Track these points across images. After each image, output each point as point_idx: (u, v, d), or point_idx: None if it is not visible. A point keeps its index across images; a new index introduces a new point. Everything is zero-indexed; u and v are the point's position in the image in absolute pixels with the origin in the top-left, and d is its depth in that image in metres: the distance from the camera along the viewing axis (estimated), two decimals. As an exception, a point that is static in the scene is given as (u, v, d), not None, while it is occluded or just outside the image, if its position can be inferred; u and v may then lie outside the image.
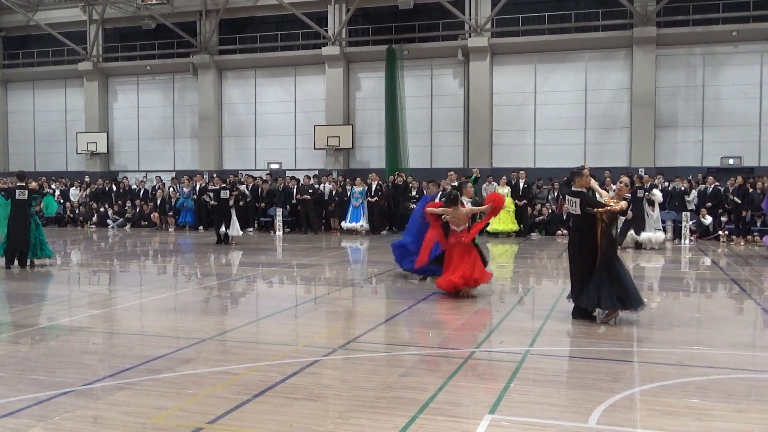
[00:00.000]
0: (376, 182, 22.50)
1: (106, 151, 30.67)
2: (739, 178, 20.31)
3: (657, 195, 17.77)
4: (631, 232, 17.47)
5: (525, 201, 21.38)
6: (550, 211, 21.89)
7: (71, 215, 26.81)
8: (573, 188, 8.66)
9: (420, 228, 11.85)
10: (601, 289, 8.17)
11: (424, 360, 6.72)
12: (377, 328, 8.41)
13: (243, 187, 21.54)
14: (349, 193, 22.51)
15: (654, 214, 17.62)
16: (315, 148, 27.52)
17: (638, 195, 17.17)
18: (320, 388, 5.80)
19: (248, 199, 22.41)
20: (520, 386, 5.80)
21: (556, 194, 22.42)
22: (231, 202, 19.27)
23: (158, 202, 25.40)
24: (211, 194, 19.75)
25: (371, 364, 6.60)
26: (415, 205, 21.24)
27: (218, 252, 17.34)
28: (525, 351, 7.07)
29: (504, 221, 20.78)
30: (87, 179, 28.59)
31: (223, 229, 19.06)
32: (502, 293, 11.26)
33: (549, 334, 7.93)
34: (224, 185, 19.64)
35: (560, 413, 5.15)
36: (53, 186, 27.46)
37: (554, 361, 6.85)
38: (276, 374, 6.14)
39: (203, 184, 23.24)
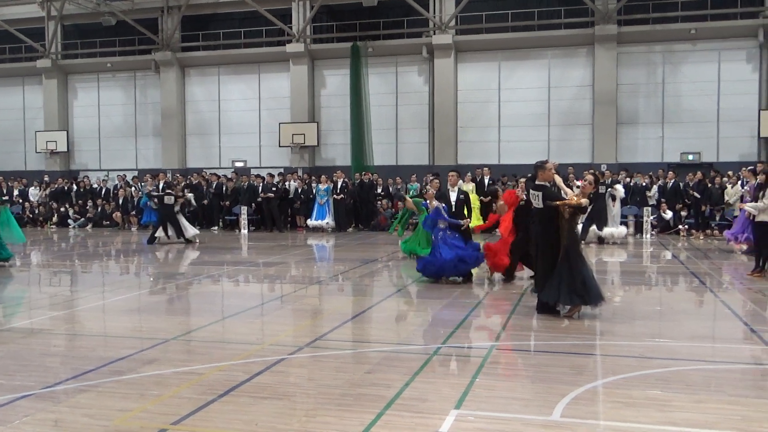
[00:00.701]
0: (341, 179, 22.48)
1: (66, 150, 30.13)
2: (699, 174, 20.73)
3: (619, 190, 18.02)
4: (593, 227, 17.70)
5: (490, 197, 21.47)
6: (514, 207, 22.04)
7: (31, 215, 26.27)
8: (536, 182, 8.77)
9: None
10: (561, 284, 8.27)
11: (390, 356, 6.74)
12: (344, 325, 8.40)
13: (190, 196, 21.03)
14: (314, 191, 22.44)
15: (615, 210, 17.87)
16: (280, 146, 27.38)
17: (600, 191, 17.39)
18: (286, 387, 5.78)
19: (193, 207, 22.04)
20: (486, 381, 5.85)
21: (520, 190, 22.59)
22: (176, 208, 18.85)
23: (120, 201, 25.03)
24: (155, 199, 19.34)
25: (337, 361, 6.60)
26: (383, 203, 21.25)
27: (182, 251, 17.17)
28: (490, 346, 7.12)
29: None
30: (47, 179, 28.06)
31: (161, 232, 18.66)
32: (468, 288, 11.32)
33: (514, 329, 8.01)
34: (169, 191, 19.20)
35: (525, 407, 5.20)
36: (12, 186, 26.90)
37: (519, 355, 6.92)
38: (241, 373, 6.10)
39: (158, 184, 22.86)
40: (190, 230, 18.94)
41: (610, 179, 18.55)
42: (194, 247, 17.88)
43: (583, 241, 16.85)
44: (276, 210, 22.63)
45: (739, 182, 19.42)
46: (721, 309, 9.44)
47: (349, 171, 25.02)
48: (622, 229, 18.04)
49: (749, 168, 17.44)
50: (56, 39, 30.29)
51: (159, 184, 24.12)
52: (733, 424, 4.83)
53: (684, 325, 8.21)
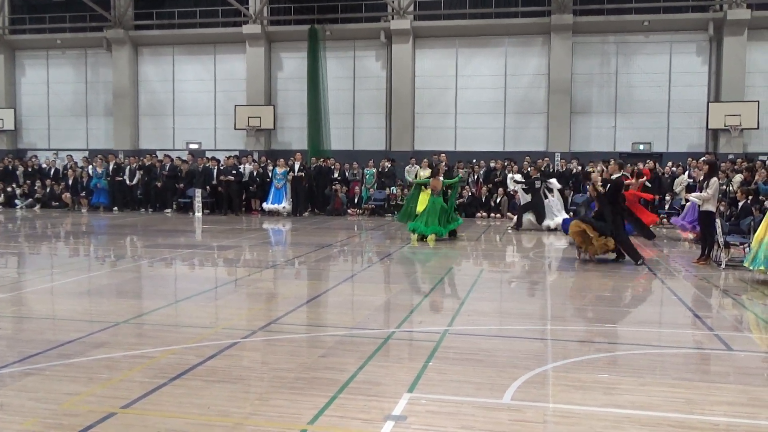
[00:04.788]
0: (299, 162, 22.28)
1: (13, 128, 29.28)
2: (650, 163, 21.15)
3: (554, 183, 18.39)
4: (531, 217, 18.09)
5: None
6: (470, 193, 22.24)
7: (-25, 195, 25.50)
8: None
9: None
10: None
11: (344, 341, 6.75)
12: (298, 309, 8.38)
13: None
14: (271, 175, 22.24)
15: (552, 201, 18.10)
16: (235, 129, 27.06)
17: (536, 186, 17.90)
18: (239, 370, 5.75)
19: None
20: (438, 365, 5.91)
21: (476, 177, 22.79)
22: None
23: (70, 181, 24.47)
24: None
25: (291, 345, 6.59)
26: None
27: (134, 234, 16.87)
28: (443, 330, 7.19)
29: (424, 203, 20.95)
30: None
31: None
32: (423, 274, 11.41)
33: (467, 313, 8.09)
34: None
35: (476, 390, 5.28)
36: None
37: (471, 339, 6.99)
38: (194, 357, 6.05)
39: (108, 166, 22.15)
40: None
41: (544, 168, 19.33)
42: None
43: (517, 228, 17.98)
44: (235, 193, 22.42)
45: (686, 172, 19.91)
46: (668, 295, 9.69)
47: (305, 155, 24.88)
48: (558, 219, 18.13)
49: (702, 159, 17.88)
50: (3, 13, 29.32)
51: (109, 165, 23.76)
52: (677, 407, 4.97)
53: (632, 311, 8.42)
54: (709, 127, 24.09)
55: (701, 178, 13.25)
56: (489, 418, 4.73)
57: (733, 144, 23.78)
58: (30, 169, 26.03)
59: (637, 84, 24.97)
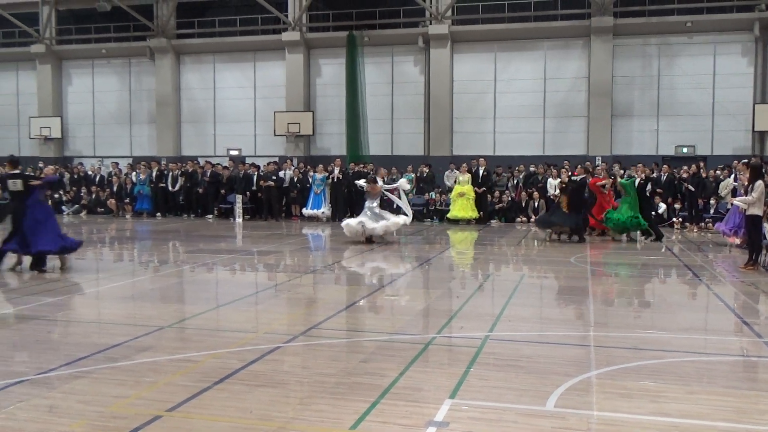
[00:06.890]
0: (339, 168, 22.38)
1: (60, 137, 30.00)
2: (694, 166, 20.76)
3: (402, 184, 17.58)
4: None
5: (485, 188, 21.50)
6: (509, 198, 22.09)
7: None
8: None
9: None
10: None
11: (385, 346, 6.75)
12: (338, 314, 8.41)
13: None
14: (310, 180, 22.38)
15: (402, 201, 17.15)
16: (275, 135, 27.30)
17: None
18: (281, 375, 5.79)
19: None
20: (480, 371, 5.87)
21: (515, 181, 22.62)
22: (38, 197, 12.18)
23: (114, 188, 24.97)
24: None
25: (332, 350, 6.61)
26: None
27: (177, 239, 17.12)
28: (485, 336, 7.14)
29: (464, 208, 20.92)
30: (41, 165, 27.91)
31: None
32: (463, 279, 11.37)
33: (508, 319, 8.03)
34: (15, 172, 12.10)
35: (519, 397, 5.23)
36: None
37: (513, 346, 6.94)
38: (236, 361, 6.11)
39: (151, 173, 22.55)
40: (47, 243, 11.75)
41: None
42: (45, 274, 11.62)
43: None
44: (275, 199, 22.63)
45: (732, 176, 19.47)
46: (714, 301, 9.49)
47: (344, 160, 24.99)
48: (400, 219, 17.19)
49: (743, 161, 17.47)
50: (50, 24, 30.09)
51: (152, 172, 24.19)
52: (725, 416, 4.86)
53: (677, 317, 8.26)
54: (755, 130, 23.54)
55: (745, 182, 12.96)
56: (531, 425, 4.68)
57: (781, 146, 23.23)
58: (76, 176, 26.63)
59: (680, 86, 24.52)
